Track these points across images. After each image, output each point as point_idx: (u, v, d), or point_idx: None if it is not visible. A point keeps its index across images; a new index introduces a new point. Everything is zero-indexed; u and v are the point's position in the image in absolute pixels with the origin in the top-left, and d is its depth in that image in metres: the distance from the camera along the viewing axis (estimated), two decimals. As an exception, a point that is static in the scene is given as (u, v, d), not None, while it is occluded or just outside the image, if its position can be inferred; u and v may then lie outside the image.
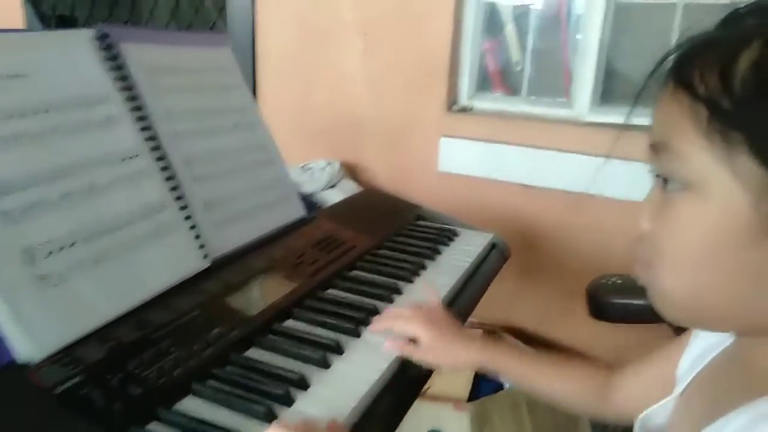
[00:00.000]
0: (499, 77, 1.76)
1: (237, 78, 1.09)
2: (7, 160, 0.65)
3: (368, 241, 1.06)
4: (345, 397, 0.63)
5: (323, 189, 1.70)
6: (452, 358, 0.73)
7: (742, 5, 0.41)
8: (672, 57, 0.42)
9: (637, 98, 0.45)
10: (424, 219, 1.25)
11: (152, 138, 0.84)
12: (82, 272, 0.67)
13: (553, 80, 1.70)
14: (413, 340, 0.74)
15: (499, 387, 1.36)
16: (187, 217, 0.84)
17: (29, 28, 2.56)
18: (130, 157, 0.79)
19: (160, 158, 0.84)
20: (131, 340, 0.66)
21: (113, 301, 0.69)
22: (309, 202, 1.16)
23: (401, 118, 1.77)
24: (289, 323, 0.79)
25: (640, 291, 0.92)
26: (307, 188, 1.67)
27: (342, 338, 0.74)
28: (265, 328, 0.76)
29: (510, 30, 1.73)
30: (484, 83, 1.76)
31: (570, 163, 1.53)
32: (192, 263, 0.82)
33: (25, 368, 0.59)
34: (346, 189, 1.71)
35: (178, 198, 0.84)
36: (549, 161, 1.57)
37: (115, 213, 0.74)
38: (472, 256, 1.06)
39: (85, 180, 0.72)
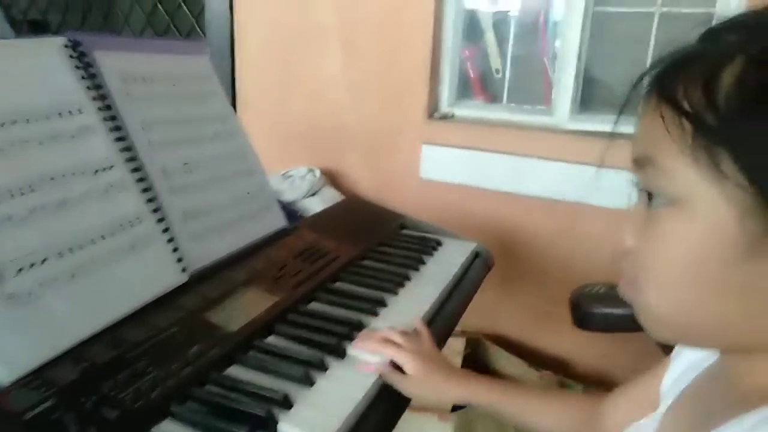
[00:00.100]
0: (479, 84, 1.76)
1: (215, 86, 1.07)
2: (-27, 173, 0.62)
3: (351, 252, 1.05)
4: (330, 417, 0.61)
5: (304, 197, 1.68)
6: (437, 392, 0.73)
7: (721, 21, 0.41)
8: (653, 70, 0.42)
9: (621, 111, 0.44)
10: (408, 228, 1.24)
11: (127, 149, 0.81)
12: (53, 289, 0.64)
13: (533, 87, 1.71)
14: (399, 367, 0.73)
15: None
16: (165, 230, 0.81)
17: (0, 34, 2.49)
18: (104, 169, 0.77)
19: (135, 169, 0.81)
20: (106, 361, 0.63)
21: (87, 319, 0.66)
22: (290, 211, 1.14)
23: (382, 125, 1.76)
24: (271, 339, 0.76)
25: (624, 300, 0.92)
26: (288, 196, 1.65)
27: (326, 354, 0.72)
28: (247, 344, 0.73)
29: (490, 37, 1.73)
30: (464, 90, 1.76)
31: (550, 171, 1.54)
32: (170, 277, 0.79)
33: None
34: (328, 197, 1.69)
35: (155, 210, 0.81)
36: (529, 168, 1.57)
37: (89, 227, 0.71)
38: (456, 266, 1.05)
39: (56, 193, 0.69)
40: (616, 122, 0.44)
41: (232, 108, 1.08)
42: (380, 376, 0.70)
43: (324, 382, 0.67)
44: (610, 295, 1.01)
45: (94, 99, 0.80)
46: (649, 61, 1.46)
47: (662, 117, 0.38)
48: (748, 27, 0.39)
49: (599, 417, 0.68)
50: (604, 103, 1.60)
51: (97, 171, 0.75)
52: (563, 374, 1.57)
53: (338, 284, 0.94)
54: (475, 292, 1.06)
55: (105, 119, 0.80)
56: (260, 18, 1.89)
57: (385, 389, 0.70)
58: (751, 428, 0.37)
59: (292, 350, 0.73)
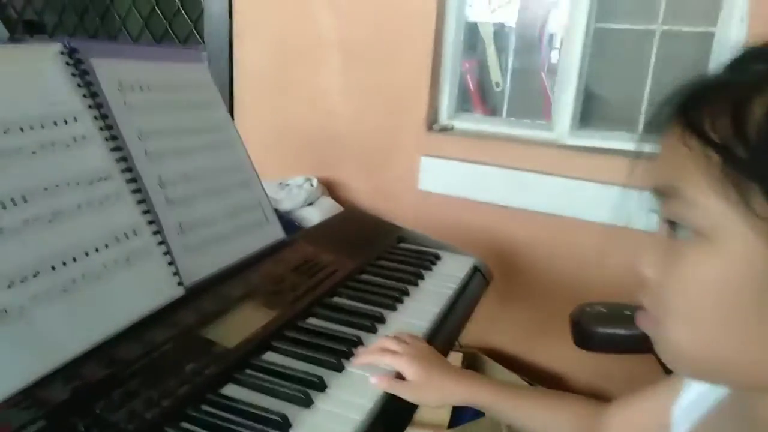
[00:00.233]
0: (479, 97, 1.75)
1: (213, 95, 1.05)
2: (-35, 183, 0.60)
3: (349, 265, 1.03)
4: (329, 440, 0.59)
5: (301, 206, 1.66)
6: (439, 395, 0.71)
7: (746, 49, 0.40)
8: (676, 97, 0.40)
9: (643, 132, 0.43)
10: (406, 241, 1.23)
11: (123, 159, 0.79)
12: (45, 304, 0.62)
13: (533, 101, 1.70)
14: (399, 375, 0.72)
15: (479, 413, 1.34)
16: (161, 242, 0.79)
17: (-6, 34, 2.47)
18: (100, 180, 0.75)
19: (131, 180, 0.79)
20: (99, 379, 0.61)
21: (80, 336, 0.64)
22: (288, 222, 1.13)
23: (381, 136, 1.75)
24: (269, 356, 0.75)
25: (626, 320, 0.91)
26: (285, 205, 1.64)
27: (325, 373, 0.71)
28: (243, 362, 0.72)
29: (490, 50, 1.73)
30: (464, 103, 1.75)
31: (549, 186, 1.53)
32: (165, 292, 0.77)
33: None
34: (325, 206, 1.67)
35: (151, 222, 0.79)
36: (528, 183, 1.56)
37: (83, 239, 0.69)
38: (456, 281, 1.04)
39: (50, 205, 0.67)
40: (639, 144, 0.43)
41: (230, 117, 1.06)
42: (380, 395, 0.68)
43: (323, 403, 0.66)
44: (612, 314, 0.99)
45: (90, 107, 0.78)
46: (649, 79, 1.45)
47: (687, 147, 0.37)
48: None
49: (600, 426, 0.67)
50: (604, 120, 1.60)
51: (92, 182, 0.74)
52: (559, 389, 1.55)
53: (336, 299, 0.93)
54: (474, 307, 1.05)
55: (101, 128, 0.78)
56: (259, 25, 1.87)
57: (386, 409, 0.68)
58: None
59: (290, 368, 0.71)
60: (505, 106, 1.69)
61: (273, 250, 1.00)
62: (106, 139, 0.78)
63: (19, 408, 0.55)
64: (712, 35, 1.43)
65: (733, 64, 0.39)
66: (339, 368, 0.73)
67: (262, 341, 0.76)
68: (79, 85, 0.77)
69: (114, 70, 0.84)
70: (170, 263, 0.79)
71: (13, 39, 2.52)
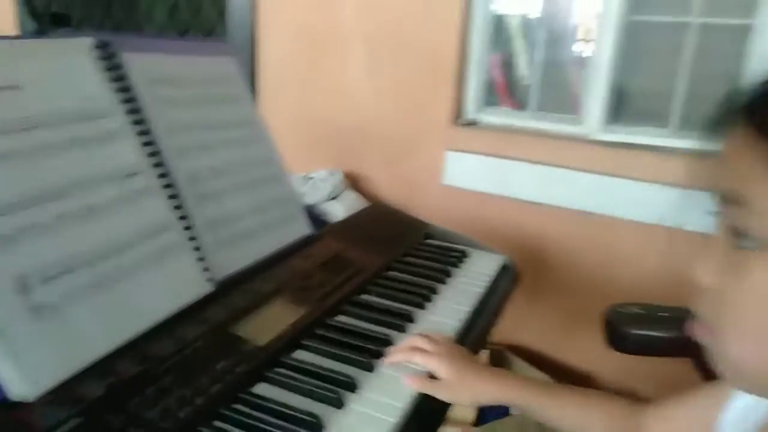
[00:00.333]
0: (506, 91, 1.72)
1: (242, 89, 1.04)
2: None
3: (376, 262, 1.02)
4: (363, 443, 0.59)
5: (325, 200, 1.66)
6: (472, 394, 0.70)
7: None
8: (742, 98, 0.38)
9: (710, 131, 0.41)
10: (433, 237, 1.21)
11: (154, 154, 0.79)
12: (79, 301, 0.62)
13: (562, 96, 1.67)
14: (431, 375, 0.71)
15: (505, 411, 1.32)
16: (191, 238, 0.79)
17: (21, 26, 2.49)
18: (132, 175, 0.74)
19: (162, 175, 0.79)
20: (132, 376, 0.61)
21: (112, 332, 0.64)
22: (314, 216, 1.12)
23: (406, 130, 1.73)
24: (299, 354, 0.74)
25: (662, 322, 0.88)
26: (309, 199, 1.63)
27: (356, 372, 0.70)
28: (274, 360, 0.71)
29: (518, 43, 1.70)
30: (490, 97, 1.72)
31: (579, 182, 1.50)
32: (195, 287, 0.77)
33: (18, 407, 0.54)
34: (349, 200, 1.66)
35: (182, 218, 0.79)
36: (557, 179, 1.53)
37: (116, 235, 0.69)
38: (485, 280, 1.03)
39: (82, 200, 0.67)
40: (706, 143, 0.41)
41: (258, 111, 1.05)
42: (412, 396, 0.67)
43: (355, 404, 0.65)
44: (647, 316, 0.97)
45: (122, 102, 0.78)
46: (685, 72, 1.40)
47: (756, 151, 0.35)
48: None
49: (636, 428, 0.66)
50: (635, 114, 1.56)
51: (124, 177, 0.73)
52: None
53: (365, 297, 0.92)
54: (503, 307, 1.03)
55: (132, 123, 0.78)
56: (284, 17, 1.86)
57: (419, 410, 0.67)
58: None
59: (320, 367, 0.70)
60: (533, 100, 1.66)
61: (301, 246, 1.00)
62: (138, 134, 0.78)
63: (55, 404, 0.55)
64: (749, 27, 1.38)
65: None
66: (370, 368, 0.72)
67: (292, 339, 0.76)
68: (111, 80, 0.77)
69: (145, 64, 0.84)
70: (201, 259, 0.79)
71: (40, 31, 2.55)
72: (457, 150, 1.66)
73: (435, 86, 1.67)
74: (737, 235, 0.37)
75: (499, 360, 1.57)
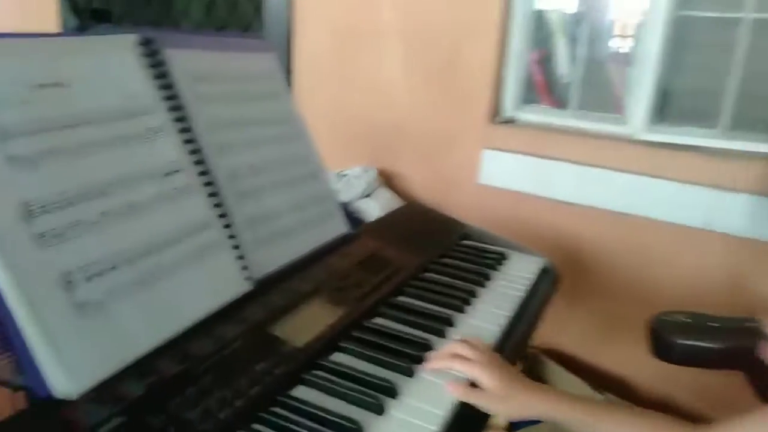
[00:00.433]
0: (546, 89, 1.68)
1: (281, 85, 1.04)
2: (44, 177, 0.60)
3: (413, 262, 1.01)
4: (404, 453, 0.57)
5: (359, 198, 1.64)
6: (522, 408, 0.68)
7: None
8: None
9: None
10: (469, 238, 1.19)
11: (195, 151, 0.79)
12: (121, 298, 0.62)
13: (603, 94, 1.62)
14: (473, 383, 0.69)
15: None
16: (231, 236, 0.79)
17: (63, 22, 2.55)
18: (173, 173, 0.74)
19: (203, 173, 0.78)
20: (172, 375, 0.60)
21: (153, 330, 0.64)
22: (347, 214, 1.10)
23: (442, 128, 1.70)
24: (337, 357, 0.73)
25: (711, 333, 0.84)
26: (343, 196, 1.62)
27: (395, 378, 0.68)
28: (312, 362, 0.70)
29: (559, 39, 1.65)
30: (529, 94, 1.68)
31: (621, 182, 1.45)
32: (234, 286, 0.77)
33: (63, 405, 0.54)
34: (383, 198, 1.65)
35: (222, 215, 0.79)
36: (598, 179, 1.49)
37: (157, 233, 0.69)
38: (525, 283, 1.00)
39: (125, 198, 0.67)
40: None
41: (297, 108, 1.04)
42: (453, 404, 0.65)
43: (395, 411, 0.63)
44: (696, 325, 0.93)
45: (164, 99, 0.77)
46: (737, 70, 1.34)
47: None
48: None
49: None
50: (683, 114, 1.50)
51: (165, 174, 0.73)
52: (624, 396, 1.48)
53: (402, 299, 0.90)
54: (543, 313, 1.00)
55: (174, 120, 0.78)
56: (320, 13, 1.85)
57: (459, 418, 0.65)
58: None
59: (359, 371, 0.69)
60: (573, 98, 1.62)
61: (337, 244, 0.99)
62: (179, 132, 0.77)
63: (97, 402, 0.55)
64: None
65: None
66: (410, 373, 0.70)
67: (330, 341, 0.75)
68: (154, 77, 0.77)
69: (187, 61, 0.83)
70: (240, 257, 0.79)
71: (81, 27, 2.60)
72: (494, 148, 1.63)
73: (472, 83, 1.64)
74: None
75: (533, 363, 1.54)
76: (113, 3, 2.57)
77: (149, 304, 0.65)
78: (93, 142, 0.66)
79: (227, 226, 0.79)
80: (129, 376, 0.59)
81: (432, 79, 1.70)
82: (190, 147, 0.78)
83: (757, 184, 1.32)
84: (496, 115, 1.65)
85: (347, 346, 0.75)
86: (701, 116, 1.47)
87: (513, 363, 0.85)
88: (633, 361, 1.49)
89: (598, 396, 1.43)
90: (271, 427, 0.59)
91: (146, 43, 0.78)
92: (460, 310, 0.88)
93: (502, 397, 0.67)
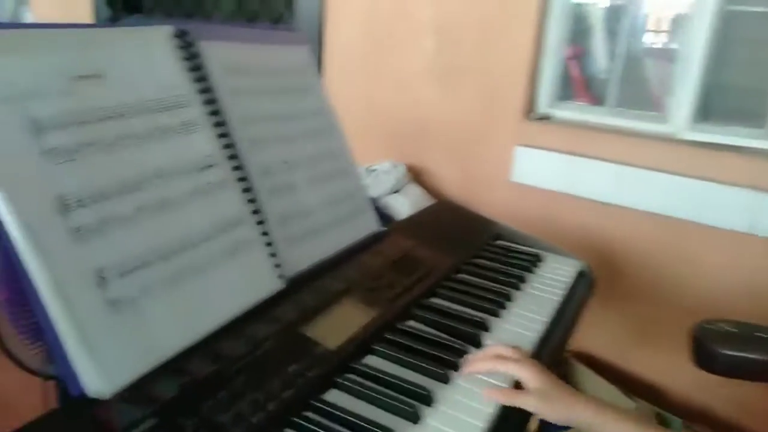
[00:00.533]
0: (582, 85, 1.63)
1: (314, 79, 1.02)
2: (80, 170, 0.59)
3: (446, 262, 0.98)
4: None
5: (387, 193, 1.62)
6: (569, 412, 0.65)
7: None
8: None
9: None
10: (502, 238, 1.16)
11: (229, 146, 0.77)
12: (155, 296, 0.61)
13: (643, 91, 1.56)
14: (517, 385, 0.67)
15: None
16: (264, 233, 0.77)
17: (97, 11, 2.57)
18: (207, 167, 0.73)
19: (237, 168, 0.77)
20: (204, 376, 0.59)
21: (186, 329, 0.63)
22: (378, 211, 1.08)
23: (474, 124, 1.67)
24: (370, 360, 0.71)
25: (759, 343, 0.80)
26: (372, 192, 1.60)
27: (431, 384, 0.66)
28: (345, 365, 0.68)
29: (598, 34, 1.60)
30: (565, 90, 1.63)
31: (661, 184, 1.40)
32: (267, 284, 0.75)
33: (96, 404, 0.53)
34: (412, 194, 1.62)
35: (255, 212, 0.77)
36: (637, 180, 1.44)
37: (191, 229, 0.68)
38: (562, 287, 0.97)
39: (159, 192, 0.66)
40: None
41: (330, 102, 1.02)
42: (491, 413, 0.63)
43: (432, 419, 0.61)
44: (740, 335, 0.89)
45: (199, 92, 0.76)
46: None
47: None
48: None
49: None
50: (729, 113, 1.44)
51: (200, 169, 0.72)
52: (657, 403, 1.44)
53: (435, 300, 0.88)
54: (579, 319, 0.97)
55: (209, 114, 0.76)
56: (352, 5, 1.83)
57: (497, 428, 0.63)
58: None
59: (394, 376, 0.67)
60: (612, 96, 1.56)
61: (369, 243, 0.97)
62: (214, 125, 0.76)
63: (130, 403, 0.54)
64: None
65: None
66: (446, 380, 0.68)
67: (363, 343, 0.73)
68: (189, 69, 0.75)
69: (221, 53, 0.82)
70: (272, 255, 0.77)
71: (114, 18, 2.62)
72: (527, 145, 1.59)
73: (506, 79, 1.60)
74: None
75: (563, 367, 1.50)
76: (145, -7, 2.58)
77: (182, 301, 0.63)
78: (129, 135, 0.65)
79: (260, 222, 0.77)
80: (161, 376, 0.58)
81: (465, 73, 1.66)
82: (224, 141, 0.76)
83: (805, 188, 1.26)
84: (530, 112, 1.61)
85: (380, 348, 0.73)
86: (746, 115, 1.41)
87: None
88: (668, 367, 1.45)
89: (630, 402, 1.39)
90: (303, 433, 0.57)
91: (181, 34, 0.77)
92: (495, 314, 0.85)
93: (548, 397, 0.65)
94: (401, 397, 0.63)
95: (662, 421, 1.37)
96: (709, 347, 0.89)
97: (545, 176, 1.58)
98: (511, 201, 1.63)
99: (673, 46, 1.52)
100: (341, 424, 0.59)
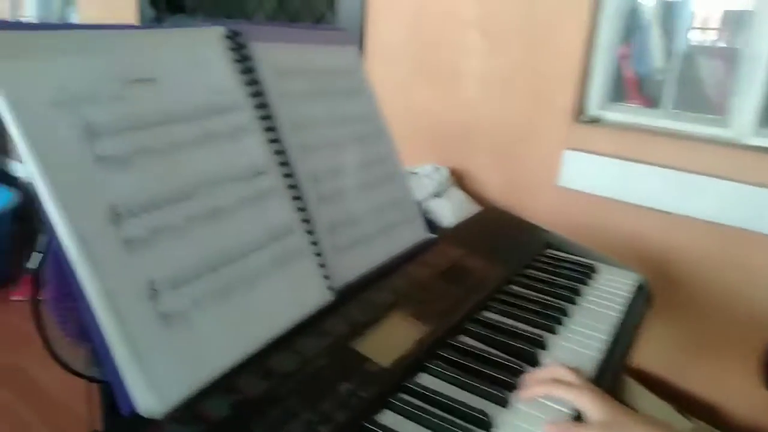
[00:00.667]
0: (635, 86, 1.56)
1: (363, 81, 0.99)
2: (132, 178, 0.57)
3: (497, 273, 0.94)
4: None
5: (429, 197, 1.58)
6: None
7: None
8: None
9: None
10: (553, 247, 1.11)
11: (280, 152, 0.75)
12: (205, 309, 0.59)
13: (702, 93, 1.48)
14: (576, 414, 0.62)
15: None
16: (313, 243, 0.75)
17: (141, 11, 2.60)
18: (258, 174, 0.71)
19: (288, 175, 0.75)
20: (256, 395, 0.57)
21: (237, 343, 0.61)
22: (426, 218, 1.05)
23: (520, 125, 1.62)
24: (423, 379, 0.68)
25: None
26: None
27: (488, 407, 0.63)
28: (398, 383, 0.65)
29: (654, 33, 1.53)
30: (617, 92, 1.57)
31: (722, 191, 1.33)
32: (316, 296, 0.73)
33: (149, 424, 0.51)
34: (456, 199, 1.58)
35: (305, 220, 0.75)
36: (693, 186, 1.37)
37: (241, 238, 0.66)
38: (620, 302, 0.92)
39: (210, 200, 0.64)
40: None
41: (378, 105, 0.99)
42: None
43: (491, 449, 0.58)
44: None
45: (250, 96, 0.74)
46: None
47: None
48: None
49: None
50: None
51: (251, 176, 0.70)
52: (716, 424, 1.37)
53: (487, 314, 0.84)
54: (638, 337, 0.91)
55: (260, 118, 0.74)
56: (396, 4, 1.80)
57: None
58: None
59: (449, 397, 0.63)
60: (668, 98, 1.49)
61: (417, 252, 0.93)
62: (264, 130, 0.74)
63: (182, 423, 0.52)
64: None
65: None
66: (504, 403, 0.64)
67: (416, 360, 0.69)
68: (240, 72, 0.73)
69: (272, 55, 0.80)
70: (321, 265, 0.75)
71: (158, 17, 2.65)
72: (576, 149, 1.53)
73: (555, 79, 1.54)
74: None
75: (614, 383, 1.44)
76: (188, -7, 2.60)
77: (233, 314, 0.61)
78: (181, 141, 0.63)
79: (310, 231, 0.75)
80: (212, 394, 0.56)
81: (511, 73, 1.61)
82: (275, 147, 0.74)
83: None
84: (580, 114, 1.55)
85: (433, 367, 0.69)
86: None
87: (610, 391, 0.77)
88: (727, 386, 1.37)
89: (685, 422, 1.32)
90: (358, 459, 0.55)
91: (233, 35, 0.75)
92: (552, 331, 0.81)
93: (611, 431, 0.60)
94: (459, 421, 0.60)
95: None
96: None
97: (595, 181, 1.52)
98: (557, 206, 1.57)
99: (736, 45, 1.43)
100: (397, 451, 0.56)
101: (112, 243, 0.54)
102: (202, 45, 0.71)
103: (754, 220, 1.30)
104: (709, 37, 1.57)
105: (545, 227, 1.15)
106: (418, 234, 0.96)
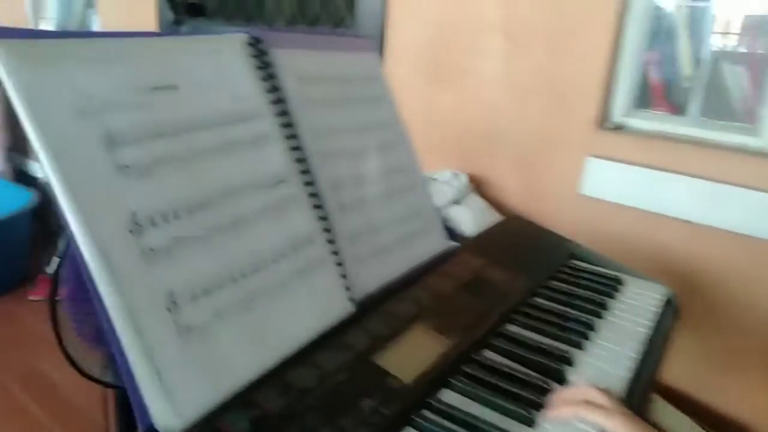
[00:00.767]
0: (662, 93, 1.52)
1: (385, 88, 0.98)
2: (152, 187, 0.56)
3: (521, 285, 0.92)
4: None
5: (448, 204, 1.56)
6: None
7: None
8: None
9: None
10: (578, 258, 1.08)
11: (301, 160, 0.74)
12: (226, 321, 0.58)
13: (730, 100, 1.44)
14: None
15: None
16: (334, 253, 0.73)
17: (161, 16, 2.62)
18: (279, 182, 0.70)
19: (309, 183, 0.73)
20: (275, 410, 0.55)
21: (257, 357, 0.59)
22: (446, 227, 1.03)
23: (542, 132, 1.59)
24: (446, 396, 0.66)
25: None
26: (432, 202, 1.54)
27: (514, 427, 0.60)
28: (420, 400, 0.63)
29: (682, 38, 1.49)
30: (643, 98, 1.53)
31: (750, 201, 1.29)
32: (338, 307, 0.71)
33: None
34: (475, 206, 1.56)
35: (326, 230, 0.73)
36: (722, 196, 1.33)
37: (262, 249, 0.64)
38: (649, 317, 0.89)
39: (231, 209, 0.63)
40: None
41: (399, 113, 0.98)
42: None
43: (519, 472, 0.55)
44: None
45: (272, 103, 0.73)
46: None
47: None
48: None
49: None
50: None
51: (272, 184, 0.68)
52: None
53: (511, 328, 0.82)
54: (667, 353, 0.88)
55: (281, 126, 0.73)
56: (417, 8, 1.78)
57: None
58: None
59: (474, 417, 0.61)
60: (695, 105, 1.45)
61: (438, 262, 0.91)
62: (286, 138, 0.73)
63: (200, 439, 0.51)
64: None
65: None
66: (530, 423, 0.62)
67: (439, 375, 0.67)
68: (262, 79, 0.72)
69: (293, 61, 0.79)
70: (342, 276, 0.73)
71: (177, 21, 2.66)
72: (600, 156, 1.50)
73: (579, 85, 1.51)
74: None
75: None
76: (208, -3, 2.61)
77: (253, 327, 0.60)
78: (203, 149, 0.62)
79: (331, 241, 0.73)
80: (231, 409, 0.54)
81: (533, 79, 1.59)
82: (296, 155, 0.73)
83: None
84: (604, 121, 1.52)
85: (456, 383, 0.67)
86: None
87: (638, 410, 0.74)
88: (757, 404, 1.33)
89: (712, 440, 1.28)
90: (381, 480, 0.53)
91: (255, 42, 0.74)
92: (579, 347, 0.78)
93: None
94: (484, 443, 0.58)
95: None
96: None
97: (618, 190, 1.48)
98: (579, 215, 1.54)
99: (758, 50, 1.39)
100: (421, 472, 0.54)
101: (131, 253, 0.53)
102: (224, 52, 0.70)
103: (786, 233, 1.26)
104: (731, 42, 1.52)
105: (568, 237, 1.12)
106: (440, 243, 0.94)
